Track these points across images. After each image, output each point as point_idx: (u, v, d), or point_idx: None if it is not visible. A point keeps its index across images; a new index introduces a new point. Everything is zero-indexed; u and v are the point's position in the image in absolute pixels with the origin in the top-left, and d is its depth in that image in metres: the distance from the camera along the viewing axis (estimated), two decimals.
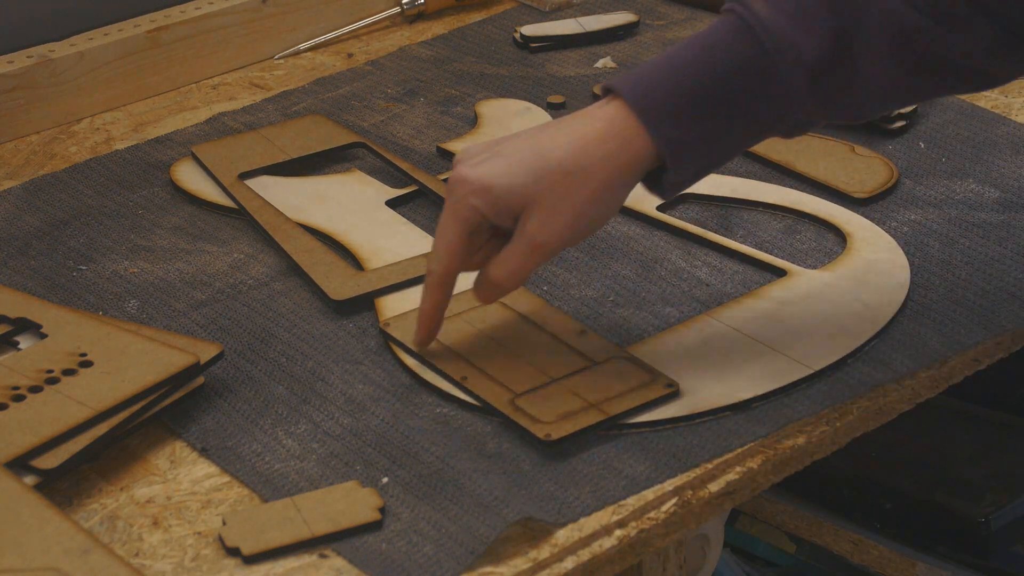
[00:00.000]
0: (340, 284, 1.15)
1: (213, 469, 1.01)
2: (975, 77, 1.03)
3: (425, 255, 1.18)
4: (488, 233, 1.04)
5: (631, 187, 1.02)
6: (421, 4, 1.57)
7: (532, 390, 1.04)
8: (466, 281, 1.16)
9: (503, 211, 1.01)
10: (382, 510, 0.96)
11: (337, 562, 0.93)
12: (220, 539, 0.95)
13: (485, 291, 1.05)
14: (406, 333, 1.10)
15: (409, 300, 1.14)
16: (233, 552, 0.94)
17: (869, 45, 0.99)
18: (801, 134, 1.04)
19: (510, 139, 1.03)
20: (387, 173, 1.31)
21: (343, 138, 1.34)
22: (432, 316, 1.06)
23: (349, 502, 0.96)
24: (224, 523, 0.95)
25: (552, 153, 1.01)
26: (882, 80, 1.01)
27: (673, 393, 1.04)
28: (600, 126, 1.01)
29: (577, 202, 1.00)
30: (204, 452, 1.02)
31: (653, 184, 1.03)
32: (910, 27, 0.99)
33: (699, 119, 1.00)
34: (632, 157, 1.00)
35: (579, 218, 1.01)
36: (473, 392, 1.05)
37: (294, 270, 1.19)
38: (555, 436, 1.00)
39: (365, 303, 1.15)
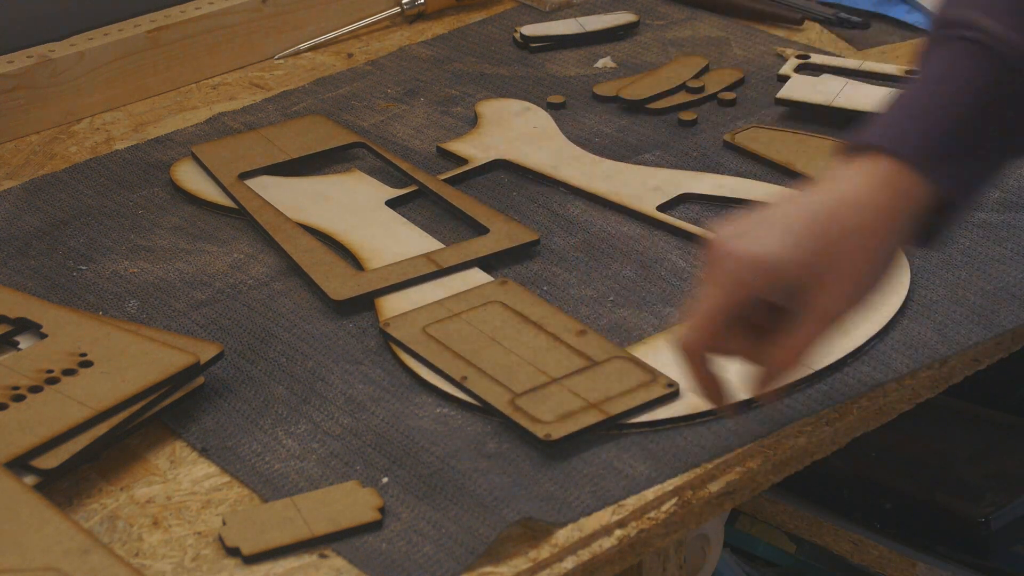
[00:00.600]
0: (340, 284, 1.15)
1: (213, 469, 1.01)
2: None
3: (424, 255, 1.18)
4: (745, 318, 0.97)
5: (906, 242, 0.98)
6: (421, 4, 1.57)
7: (532, 390, 1.04)
8: (466, 281, 1.16)
9: (782, 287, 0.94)
10: (382, 510, 0.96)
11: (337, 562, 0.93)
12: (220, 539, 0.95)
13: (771, 379, 0.97)
14: (406, 333, 1.10)
15: (409, 300, 1.14)
16: (233, 552, 0.94)
17: None
18: None
19: (773, 210, 0.97)
20: (387, 173, 1.31)
21: (343, 138, 1.34)
22: (712, 383, 0.99)
23: (349, 502, 0.96)
24: (224, 523, 0.95)
25: (829, 218, 0.94)
26: None
27: (673, 393, 1.04)
28: (874, 182, 0.95)
29: (864, 265, 0.95)
30: (204, 452, 1.02)
31: (918, 236, 0.99)
32: None
33: (970, 154, 0.96)
34: (911, 209, 0.95)
35: (867, 281, 0.95)
36: (473, 392, 1.04)
37: (294, 270, 1.19)
38: (555, 436, 1.00)
39: (365, 303, 1.15)
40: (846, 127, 1.33)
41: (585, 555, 0.94)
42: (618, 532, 0.96)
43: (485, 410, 1.04)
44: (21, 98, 1.38)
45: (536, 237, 1.20)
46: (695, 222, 1.22)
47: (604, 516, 0.96)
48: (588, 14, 1.55)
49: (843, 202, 0.95)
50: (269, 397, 1.07)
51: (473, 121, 1.38)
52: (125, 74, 1.43)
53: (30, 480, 0.96)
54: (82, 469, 1.00)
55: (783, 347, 0.96)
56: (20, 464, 0.96)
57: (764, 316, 0.97)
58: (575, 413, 1.02)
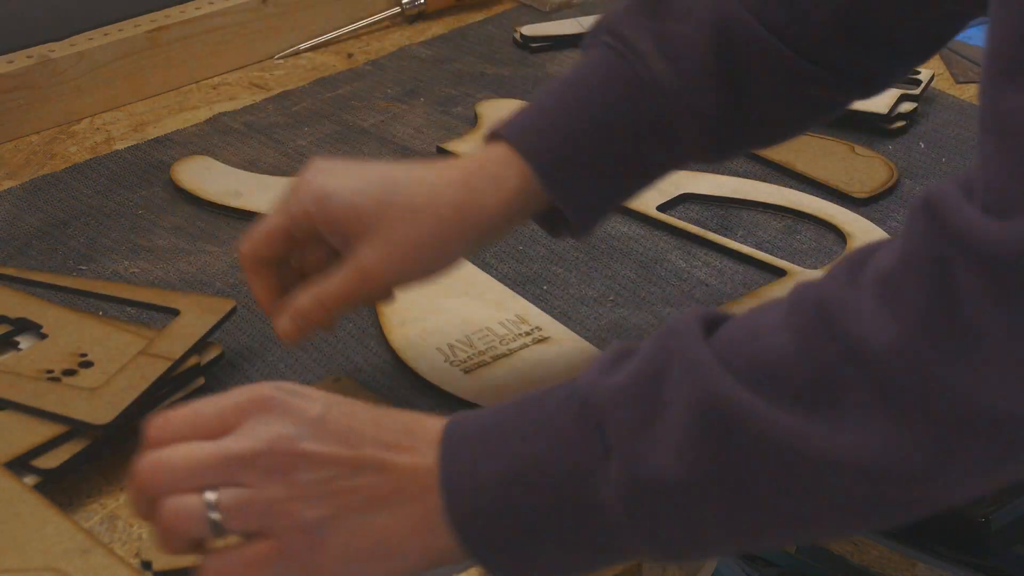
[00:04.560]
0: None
1: None
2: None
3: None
4: (302, 248, 0.97)
5: (511, 225, 0.97)
6: (421, 4, 1.57)
7: None
8: (466, 281, 1.16)
9: (334, 224, 0.94)
10: None
11: None
12: None
13: (292, 317, 0.96)
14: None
15: (409, 300, 1.14)
16: None
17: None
18: None
19: (374, 162, 0.97)
20: None
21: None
22: (266, 301, 0.98)
23: None
24: None
25: (409, 178, 0.94)
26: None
27: None
28: (475, 166, 0.96)
29: (421, 235, 0.94)
30: None
31: (549, 226, 1.00)
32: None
33: (587, 163, 0.96)
34: (510, 197, 0.96)
35: (422, 253, 0.95)
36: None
37: None
38: None
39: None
40: (846, 127, 1.34)
41: None
42: None
43: None
44: (21, 98, 1.38)
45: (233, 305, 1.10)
46: (695, 222, 1.22)
47: None
48: (588, 14, 1.55)
49: (433, 170, 0.95)
50: None
51: (473, 121, 1.38)
52: (125, 74, 1.43)
53: (30, 480, 0.96)
54: (82, 469, 1.00)
55: (313, 288, 0.95)
56: (20, 464, 0.96)
57: (320, 257, 0.97)
58: None
